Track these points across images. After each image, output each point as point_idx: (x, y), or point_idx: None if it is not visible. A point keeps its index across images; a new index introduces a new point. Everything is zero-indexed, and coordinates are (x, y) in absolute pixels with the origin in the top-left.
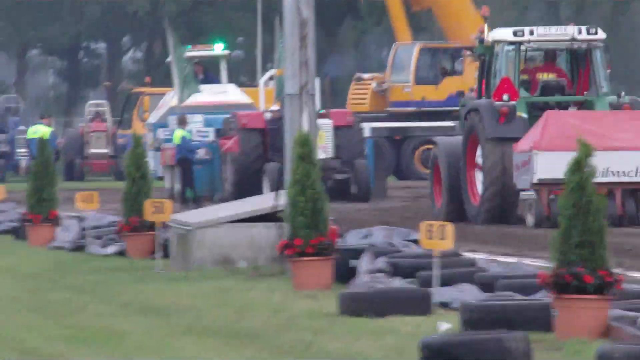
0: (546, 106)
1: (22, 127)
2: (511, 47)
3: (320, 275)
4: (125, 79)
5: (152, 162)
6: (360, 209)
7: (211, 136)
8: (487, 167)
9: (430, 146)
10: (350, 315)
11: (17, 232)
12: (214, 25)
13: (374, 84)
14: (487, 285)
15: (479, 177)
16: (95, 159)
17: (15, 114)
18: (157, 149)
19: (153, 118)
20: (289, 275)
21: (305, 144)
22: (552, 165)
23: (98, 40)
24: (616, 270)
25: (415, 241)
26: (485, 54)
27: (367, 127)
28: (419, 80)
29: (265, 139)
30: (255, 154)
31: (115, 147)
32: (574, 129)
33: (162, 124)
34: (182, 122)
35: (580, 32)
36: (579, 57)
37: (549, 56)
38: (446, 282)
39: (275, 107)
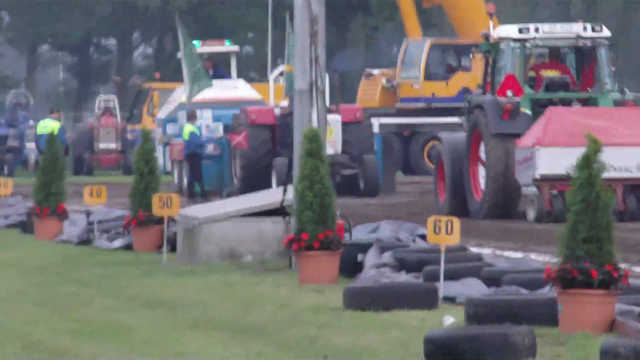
0: (550, 103)
1: (31, 122)
2: (516, 45)
3: (327, 269)
4: (135, 74)
5: (161, 157)
6: (368, 204)
7: (220, 131)
8: (490, 162)
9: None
10: (356, 310)
11: (25, 226)
12: (224, 21)
13: (383, 80)
14: (493, 280)
15: (482, 172)
16: (104, 154)
17: (25, 109)
18: (166, 144)
19: (162, 113)
20: (295, 270)
21: (315, 140)
22: (554, 161)
23: (108, 36)
24: (622, 266)
25: (422, 236)
26: (491, 51)
27: (376, 123)
28: (429, 77)
29: (274, 135)
30: (264, 150)
31: (124, 142)
32: (576, 126)
33: (171, 119)
34: (191, 118)
35: (585, 29)
36: (584, 55)
37: (554, 53)
38: (452, 276)
39: (285, 103)
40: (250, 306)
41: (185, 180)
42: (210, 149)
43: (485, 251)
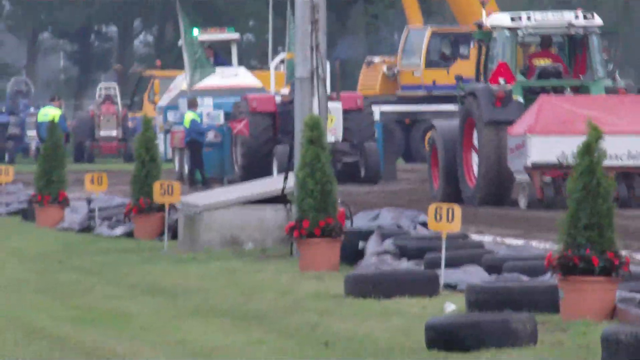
0: (542, 90)
1: (32, 110)
2: (508, 33)
3: (328, 257)
4: (135, 62)
5: (162, 144)
6: (369, 192)
7: (221, 119)
8: (482, 150)
9: None
10: (357, 297)
11: (26, 214)
12: (226, 8)
13: (384, 68)
14: (494, 267)
15: (475, 160)
16: (105, 142)
17: (26, 96)
18: (167, 132)
19: (163, 101)
20: (296, 257)
21: (315, 127)
22: (545, 149)
23: (109, 23)
24: (623, 253)
25: (424, 223)
26: (484, 39)
27: (377, 111)
28: (430, 64)
29: (275, 122)
30: (265, 137)
31: (125, 129)
32: (567, 113)
33: (172, 106)
34: (192, 105)
35: (577, 17)
36: (576, 43)
37: (546, 41)
38: (453, 264)
39: (286, 91)
40: (251, 293)
41: (186, 168)
42: (211, 136)
43: (486, 238)
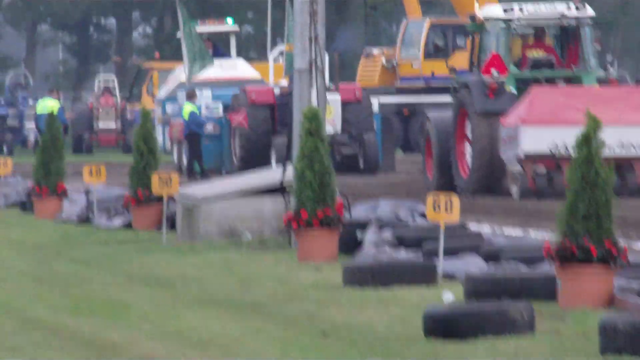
0: (535, 81)
1: (31, 102)
2: (501, 24)
3: (326, 247)
4: (134, 54)
5: (161, 137)
6: (368, 183)
7: (220, 111)
8: (475, 141)
9: None
10: (355, 287)
11: (24, 206)
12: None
13: (383, 59)
14: (492, 256)
15: (468, 150)
16: (103, 134)
17: (25, 89)
18: (166, 124)
19: (162, 93)
20: (294, 248)
21: (314, 119)
22: (537, 139)
23: (108, 15)
24: (621, 242)
25: (422, 214)
26: (477, 31)
27: (375, 102)
28: (429, 56)
29: (273, 114)
30: (263, 129)
31: (123, 121)
32: (559, 104)
33: (170, 99)
34: (191, 97)
35: (569, 8)
36: (568, 34)
37: (539, 33)
38: (451, 253)
39: (284, 83)
40: (249, 284)
41: (184, 160)
42: (209, 128)
43: (485, 228)
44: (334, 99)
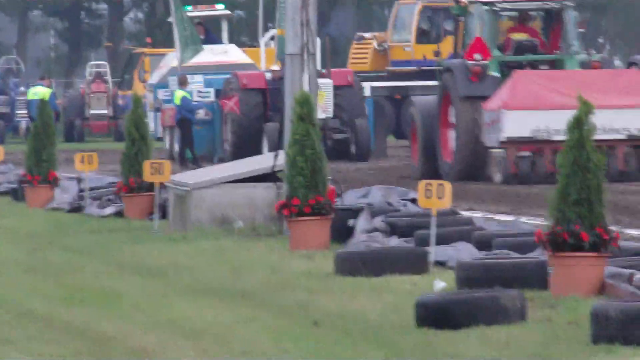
0: (519, 65)
1: (22, 89)
2: (485, 8)
3: (318, 235)
4: (126, 39)
5: (152, 123)
6: (359, 169)
7: (211, 97)
8: (459, 125)
9: None
10: (347, 275)
11: (16, 194)
12: None
13: (375, 43)
14: (484, 243)
15: (452, 135)
16: (95, 120)
17: (16, 75)
18: (157, 110)
19: (153, 79)
20: (286, 235)
21: (306, 104)
22: (519, 123)
23: (99, 0)
24: (613, 228)
25: (414, 200)
26: (461, 15)
27: (367, 87)
28: (421, 40)
29: (265, 99)
30: (255, 114)
31: (115, 108)
32: (541, 88)
33: (162, 84)
34: (182, 83)
35: None
36: (552, 17)
37: (522, 16)
38: (443, 240)
39: (276, 67)
40: (241, 271)
41: (176, 146)
42: (201, 114)
43: (476, 215)
44: (326, 84)
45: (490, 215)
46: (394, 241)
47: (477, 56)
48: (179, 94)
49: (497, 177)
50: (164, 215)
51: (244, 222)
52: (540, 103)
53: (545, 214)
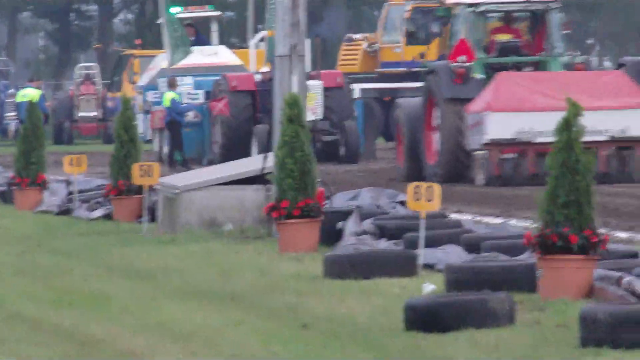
0: (503, 67)
1: (11, 91)
2: (469, 9)
3: (307, 237)
4: (115, 41)
5: (142, 125)
6: (348, 171)
7: (201, 98)
8: (443, 127)
9: None
10: (336, 278)
11: (5, 196)
12: None
13: (365, 45)
14: (473, 246)
15: (436, 137)
16: (84, 122)
17: (5, 77)
18: (147, 112)
19: (143, 81)
20: (275, 238)
21: (295, 106)
22: (502, 125)
23: (89, 2)
24: (602, 230)
25: (403, 203)
26: (446, 16)
27: (357, 88)
28: (411, 41)
29: (255, 101)
30: (244, 116)
31: (104, 110)
32: (524, 90)
33: (151, 86)
34: (172, 85)
35: None
36: (537, 19)
37: (507, 18)
38: (432, 243)
39: (266, 69)
40: (230, 274)
41: (165, 149)
42: (191, 116)
43: (465, 217)
44: (316, 85)
45: (479, 218)
46: (383, 244)
47: (460, 58)
48: (169, 96)
49: (480, 179)
50: (153, 217)
51: (233, 225)
52: (524, 105)
53: (534, 216)
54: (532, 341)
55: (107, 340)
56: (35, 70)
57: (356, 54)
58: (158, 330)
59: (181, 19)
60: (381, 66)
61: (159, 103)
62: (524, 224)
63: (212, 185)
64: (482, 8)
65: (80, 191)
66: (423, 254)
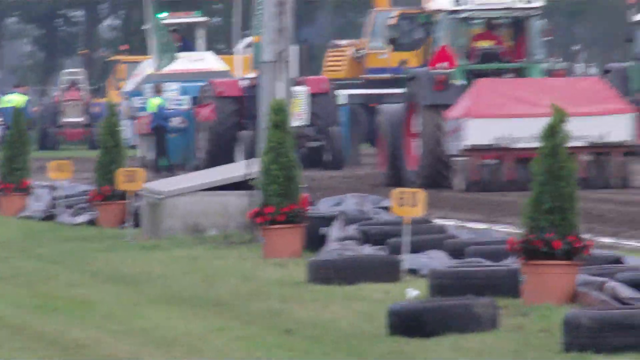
0: (484, 73)
1: None
2: (450, 16)
3: (290, 243)
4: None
5: (127, 130)
6: (333, 176)
7: (187, 104)
8: (423, 133)
9: None
10: (320, 283)
11: None
12: None
13: (352, 50)
14: (456, 251)
15: (416, 143)
16: (69, 128)
17: None
18: (132, 118)
19: (128, 86)
20: (259, 243)
21: (280, 112)
22: (481, 131)
23: (76, 7)
24: (585, 236)
25: (387, 208)
26: (428, 23)
27: (342, 94)
28: (397, 47)
29: (241, 107)
30: (230, 122)
31: (90, 115)
32: (503, 97)
33: (137, 92)
34: (157, 90)
35: (518, 0)
36: (518, 25)
37: (489, 25)
38: (416, 249)
39: (252, 75)
40: (213, 280)
41: (151, 154)
42: (176, 122)
43: (449, 223)
44: (302, 91)
45: (462, 223)
46: (367, 249)
47: (441, 65)
48: (155, 101)
49: (459, 184)
50: (137, 223)
51: (217, 230)
52: (502, 111)
53: (518, 222)
54: (515, 346)
55: (91, 345)
56: (21, 76)
57: (342, 60)
58: (141, 336)
59: (167, 25)
60: (367, 72)
61: (144, 109)
62: (507, 230)
63: (196, 190)
64: (463, 15)
65: (65, 197)
66: (407, 260)
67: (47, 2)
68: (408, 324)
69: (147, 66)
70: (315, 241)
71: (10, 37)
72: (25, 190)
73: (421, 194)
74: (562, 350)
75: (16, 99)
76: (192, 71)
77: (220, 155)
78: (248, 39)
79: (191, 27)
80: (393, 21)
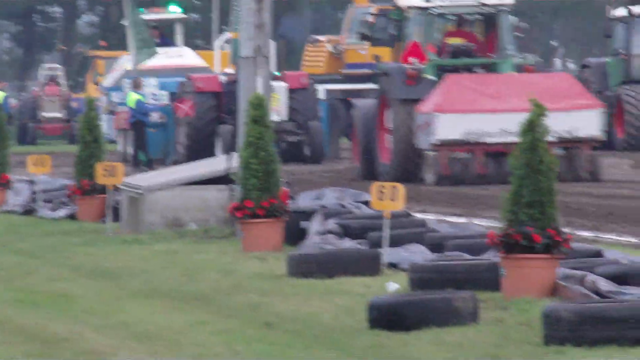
0: (455, 69)
1: None
2: (422, 12)
3: (271, 237)
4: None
5: (106, 125)
6: (313, 171)
7: (165, 99)
8: (395, 127)
9: None
10: (300, 277)
11: None
12: None
13: (330, 46)
14: (437, 245)
15: (389, 137)
16: (48, 123)
17: None
18: (111, 113)
19: (107, 81)
20: (239, 237)
21: (259, 107)
22: (451, 126)
23: (53, 3)
24: (565, 230)
25: (367, 202)
26: (400, 19)
27: (322, 89)
28: (373, 42)
29: (220, 102)
30: (209, 117)
31: (69, 110)
32: (472, 92)
33: (116, 87)
34: (136, 86)
35: None
36: (489, 21)
37: (460, 21)
38: (396, 242)
39: (231, 70)
40: (193, 274)
41: (130, 149)
42: (155, 117)
43: (429, 217)
44: (281, 87)
45: (443, 217)
46: (347, 243)
47: (413, 60)
48: (133, 96)
49: (430, 178)
50: (116, 217)
51: (197, 225)
52: (472, 106)
53: (497, 216)
54: (495, 339)
55: (71, 339)
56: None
57: (321, 56)
58: (122, 330)
59: (146, 21)
60: (346, 67)
61: (123, 104)
62: (487, 224)
63: (176, 185)
64: (434, 11)
65: (44, 191)
66: (387, 253)
67: None
68: (388, 317)
69: (126, 61)
70: (295, 235)
71: None
72: (5, 185)
73: (401, 188)
74: (542, 344)
75: None
76: (170, 67)
77: (200, 150)
78: (226, 35)
79: (170, 23)
80: (367, 17)
